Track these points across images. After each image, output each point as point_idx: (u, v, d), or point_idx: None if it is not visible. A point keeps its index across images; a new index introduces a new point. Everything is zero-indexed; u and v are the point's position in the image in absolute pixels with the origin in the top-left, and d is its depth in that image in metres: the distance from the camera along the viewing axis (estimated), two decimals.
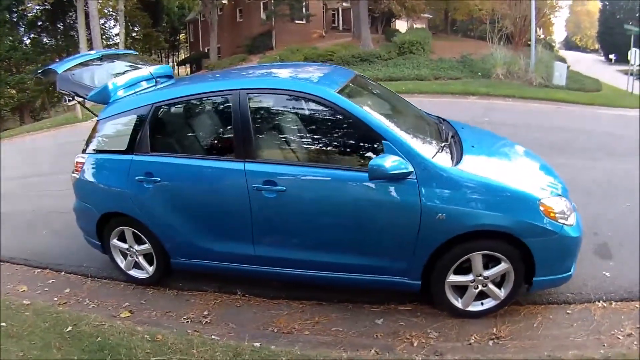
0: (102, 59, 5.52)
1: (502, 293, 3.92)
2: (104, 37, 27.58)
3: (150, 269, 4.97)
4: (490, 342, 3.68)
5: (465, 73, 24.27)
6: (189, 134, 4.75)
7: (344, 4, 39.75)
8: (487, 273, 3.83)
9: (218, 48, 35.05)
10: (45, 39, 36.20)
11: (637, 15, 52.92)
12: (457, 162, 3.86)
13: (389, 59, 25.59)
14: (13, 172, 10.99)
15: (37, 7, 33.94)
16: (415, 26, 38.50)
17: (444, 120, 5.08)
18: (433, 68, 24.43)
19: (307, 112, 4.26)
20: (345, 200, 3.89)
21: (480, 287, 3.90)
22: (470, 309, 4.00)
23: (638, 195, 6.23)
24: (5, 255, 6.09)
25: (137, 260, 4.99)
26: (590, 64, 41.17)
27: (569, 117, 15.51)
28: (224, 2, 36.25)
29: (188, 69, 41.77)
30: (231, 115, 4.21)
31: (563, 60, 29.23)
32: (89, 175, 4.85)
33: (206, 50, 37.98)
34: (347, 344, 3.81)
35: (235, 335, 4.07)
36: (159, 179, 4.43)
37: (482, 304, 4.00)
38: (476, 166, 3.85)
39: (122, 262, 5.08)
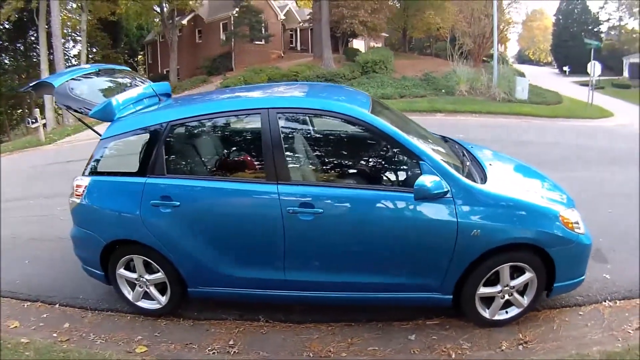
0: (99, 73, 5.17)
1: (525, 301, 4.09)
2: (64, 57, 26.68)
3: (163, 299, 4.60)
4: (520, 347, 3.89)
5: (429, 90, 24.69)
6: (211, 155, 4.55)
7: (302, 24, 40.03)
8: (513, 283, 3.99)
9: (177, 69, 34.60)
10: (5, 59, 34.96)
11: (589, 27, 55.17)
12: (484, 181, 4.05)
13: (353, 78, 25.77)
14: None
15: None
16: (372, 45, 39.13)
17: (449, 139, 5.14)
18: (397, 86, 24.74)
19: (341, 133, 4.36)
20: (384, 221, 3.89)
21: (506, 297, 4.06)
22: (496, 318, 4.13)
23: (619, 203, 7.00)
24: None
25: (147, 290, 4.61)
26: (546, 77, 42.66)
27: (536, 130, 15.98)
28: (183, 23, 35.91)
29: None
30: (260, 135, 4.05)
31: (522, 74, 30.07)
32: (92, 200, 4.43)
33: (165, 72, 37.49)
34: None
35: None
36: (179, 203, 4.12)
37: (506, 312, 4.14)
38: (500, 184, 4.08)
39: (129, 293, 4.67)
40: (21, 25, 31.83)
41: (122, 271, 4.57)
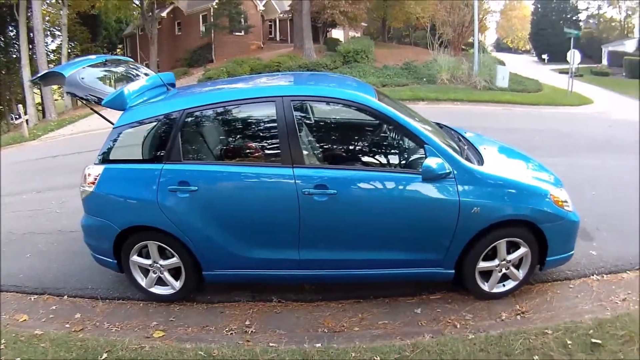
0: (106, 63, 5.23)
1: (520, 274, 4.43)
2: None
3: (177, 284, 4.69)
4: (518, 317, 4.21)
5: (410, 79, 24.77)
6: (226, 141, 4.70)
7: (281, 15, 39.90)
8: (509, 257, 4.33)
9: (157, 62, 34.26)
10: None
11: (568, 16, 55.59)
12: (481, 163, 4.36)
13: (335, 68, 25.71)
14: None
15: None
16: (351, 35, 39.12)
17: (443, 125, 5.40)
18: (379, 75, 24.76)
19: (351, 119, 4.63)
20: (393, 200, 4.15)
21: (503, 271, 4.38)
22: (495, 290, 4.47)
23: (601, 185, 7.58)
24: None
25: (161, 276, 4.68)
26: (525, 65, 42.95)
27: (518, 117, 16.32)
28: (163, 15, 35.60)
29: None
30: (274, 121, 4.24)
31: (502, 63, 30.31)
32: (105, 188, 4.47)
33: (145, 65, 36.89)
34: (399, 333, 4.06)
35: (289, 340, 4.07)
36: (196, 188, 4.23)
37: (504, 285, 4.48)
38: (495, 166, 4.40)
39: (142, 280, 4.74)
40: (0, 20, 31.24)
41: (135, 258, 4.64)
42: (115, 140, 4.54)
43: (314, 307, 4.60)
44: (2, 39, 34.66)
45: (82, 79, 4.65)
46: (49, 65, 26.20)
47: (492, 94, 21.32)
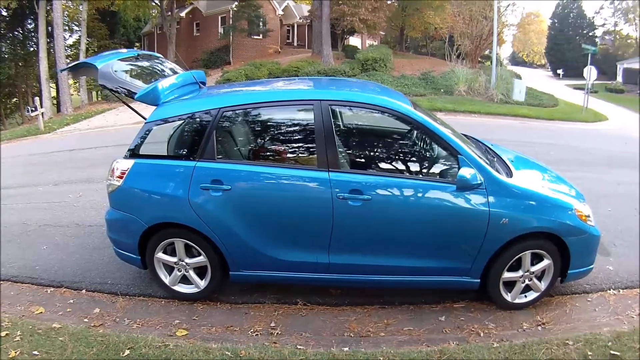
0: (138, 58, 5.18)
1: (542, 285, 4.48)
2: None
3: (202, 283, 4.63)
4: (539, 328, 4.26)
5: (428, 90, 24.69)
6: (261, 141, 4.66)
7: (301, 20, 39.90)
8: (533, 269, 4.38)
9: (175, 62, 34.26)
10: (3, 48, 34.19)
11: (585, 31, 55.35)
12: (510, 175, 4.41)
13: (353, 75, 25.60)
14: None
15: None
16: (368, 43, 39.07)
17: (469, 136, 5.37)
18: (397, 85, 24.60)
19: (388, 127, 4.67)
20: (425, 208, 4.19)
21: (526, 282, 4.44)
22: (517, 301, 4.52)
23: (617, 202, 7.65)
24: (5, 274, 5.39)
25: (186, 274, 4.62)
26: (540, 79, 42.94)
27: (534, 131, 16.21)
28: (181, 15, 35.66)
29: None
30: (311, 125, 4.28)
31: (518, 76, 30.15)
32: (134, 183, 4.42)
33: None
34: (424, 340, 4.09)
35: (316, 343, 4.06)
36: (230, 187, 4.21)
37: (525, 296, 4.54)
38: (524, 179, 4.46)
39: (166, 278, 4.68)
40: (20, 13, 31.40)
41: (160, 255, 4.58)
42: (146, 135, 4.49)
43: (339, 311, 4.58)
44: (21, 32, 34.88)
45: (115, 71, 4.59)
46: (67, 59, 26.34)
47: (508, 107, 21.18)
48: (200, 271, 4.61)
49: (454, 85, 24.16)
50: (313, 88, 5.05)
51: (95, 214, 7.21)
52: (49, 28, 25.99)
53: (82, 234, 6.51)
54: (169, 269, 4.66)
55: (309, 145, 4.39)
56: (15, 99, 36.54)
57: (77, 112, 22.15)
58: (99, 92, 28.65)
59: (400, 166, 4.68)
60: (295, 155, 4.51)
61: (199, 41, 37.10)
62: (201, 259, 4.50)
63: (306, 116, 4.35)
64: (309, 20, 33.19)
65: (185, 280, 4.67)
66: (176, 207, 4.30)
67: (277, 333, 4.20)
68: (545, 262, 4.36)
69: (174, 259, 4.56)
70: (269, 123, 4.63)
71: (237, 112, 4.44)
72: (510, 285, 4.47)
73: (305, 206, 4.22)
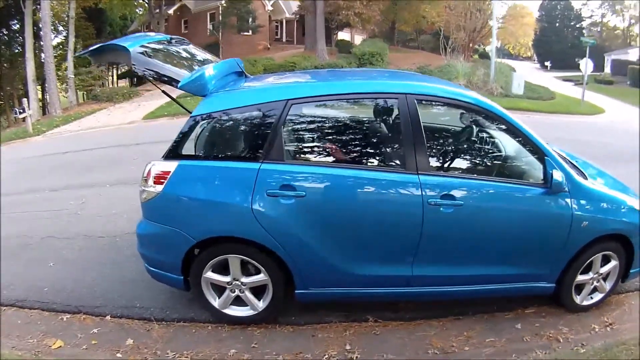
0: (171, 42, 4.46)
1: (607, 286, 4.41)
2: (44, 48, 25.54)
3: (260, 304, 4.01)
4: (608, 329, 4.17)
5: None
6: (336, 140, 4.05)
7: (288, 15, 39.40)
8: (602, 270, 4.29)
9: None
10: None
11: (572, 23, 55.81)
12: (585, 178, 4.25)
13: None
14: None
15: None
16: (357, 37, 38.85)
17: None
18: None
19: (473, 125, 4.26)
20: (516, 213, 3.94)
21: (594, 284, 4.34)
22: (584, 303, 4.41)
23: None
24: (8, 297, 4.56)
25: (240, 295, 3.99)
26: (529, 71, 42.72)
27: (536, 125, 15.51)
28: (169, 12, 34.96)
29: (127, 83, 39.45)
30: (397, 121, 3.86)
31: (512, 69, 30.07)
32: (179, 190, 3.73)
33: None
34: (511, 351, 3.86)
35: None
36: (304, 194, 3.61)
37: (591, 297, 4.44)
38: (596, 181, 4.37)
39: (215, 300, 4.03)
40: (6, 14, 30.21)
41: (209, 274, 3.92)
42: (190, 132, 3.80)
43: (414, 326, 4.20)
44: (6, 33, 33.66)
45: (150, 55, 3.91)
46: (55, 59, 25.56)
47: (509, 100, 20.84)
48: (257, 291, 4.01)
49: (453, 79, 23.64)
50: (392, 80, 4.49)
51: (104, 223, 6.49)
52: (35, 28, 25.18)
53: (94, 247, 5.75)
54: (219, 289, 4.03)
55: (393, 144, 4.01)
56: (0, 101, 35.30)
57: (67, 114, 21.25)
58: (89, 93, 27.72)
59: (487, 168, 4.23)
60: (377, 156, 4.05)
61: (187, 38, 35.69)
62: (261, 277, 3.88)
63: (389, 111, 4.07)
64: (298, 16, 32.74)
65: (237, 301, 4.05)
66: (236, 218, 3.66)
67: (356, 357, 3.72)
68: (613, 263, 4.29)
69: (227, 279, 3.92)
70: (345, 119, 4.14)
71: (307, 105, 3.85)
72: (578, 288, 4.34)
73: (391, 214, 3.75)
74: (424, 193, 3.67)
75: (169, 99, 4.61)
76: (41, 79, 26.78)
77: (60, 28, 31.99)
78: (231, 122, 3.79)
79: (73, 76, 25.26)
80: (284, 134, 3.72)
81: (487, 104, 3.98)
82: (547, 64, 55.09)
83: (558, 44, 54.00)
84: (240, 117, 3.76)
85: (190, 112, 3.87)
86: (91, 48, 4.24)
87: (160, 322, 4.17)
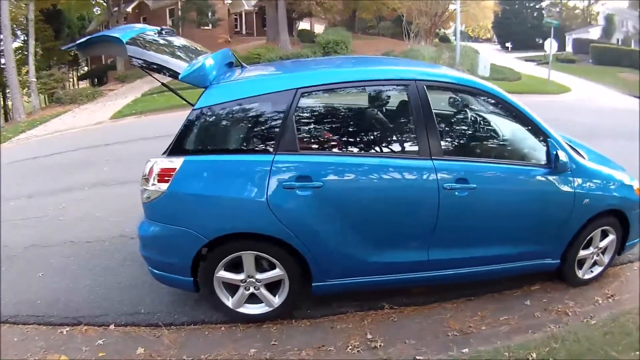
0: (161, 32, 4.25)
1: (606, 260, 4.60)
2: None
3: (276, 300, 3.93)
4: (610, 300, 4.30)
5: None
6: (348, 128, 4.15)
7: (247, 8, 39.18)
8: (601, 244, 4.48)
9: (124, 60, 32.92)
10: None
11: (531, 4, 56.78)
12: (583, 157, 4.39)
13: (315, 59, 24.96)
14: None
15: None
16: (317, 26, 38.89)
17: None
18: None
19: (481, 109, 4.37)
20: (525, 194, 4.05)
21: (594, 258, 4.52)
22: (586, 277, 4.57)
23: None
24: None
25: (255, 292, 3.89)
26: (490, 53, 43.12)
27: None
28: (128, 10, 34.25)
29: (89, 84, 38.52)
30: (408, 108, 3.85)
31: (477, 52, 30.40)
32: (186, 187, 3.56)
33: (109, 62, 35.64)
34: (526, 327, 3.90)
35: (428, 349, 3.62)
36: (321, 184, 3.52)
37: (591, 271, 4.60)
38: (592, 160, 4.48)
39: (228, 299, 3.92)
40: None
41: (222, 273, 3.80)
42: (194, 125, 3.64)
43: (429, 309, 4.23)
44: None
45: (145, 46, 3.72)
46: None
47: None
48: (272, 287, 3.92)
49: None
50: (401, 67, 4.40)
51: (89, 227, 6.24)
52: None
53: (82, 253, 5.49)
54: (231, 288, 3.91)
55: (406, 130, 4.04)
56: None
57: (31, 118, 20.67)
58: (51, 96, 26.99)
59: (495, 151, 4.30)
60: (390, 142, 4.06)
61: None
62: (277, 272, 3.78)
63: (400, 98, 4.08)
64: (257, 8, 32.47)
65: (250, 299, 3.95)
66: (251, 213, 3.55)
67: (380, 345, 3.66)
68: (611, 237, 4.49)
69: (241, 276, 3.81)
70: (356, 106, 4.23)
71: (317, 93, 3.80)
72: (579, 262, 4.49)
73: (408, 199, 3.75)
74: (439, 178, 3.70)
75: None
76: (2, 85, 25.85)
77: (18, 32, 30.94)
78: (239, 114, 3.64)
79: (35, 80, 24.51)
80: (296, 123, 3.63)
81: (492, 88, 4.06)
82: (508, 45, 55.90)
83: (518, 26, 54.92)
84: (249, 107, 3.63)
85: (193, 105, 3.72)
86: (78, 41, 4.02)
87: (170, 327, 4.00)
